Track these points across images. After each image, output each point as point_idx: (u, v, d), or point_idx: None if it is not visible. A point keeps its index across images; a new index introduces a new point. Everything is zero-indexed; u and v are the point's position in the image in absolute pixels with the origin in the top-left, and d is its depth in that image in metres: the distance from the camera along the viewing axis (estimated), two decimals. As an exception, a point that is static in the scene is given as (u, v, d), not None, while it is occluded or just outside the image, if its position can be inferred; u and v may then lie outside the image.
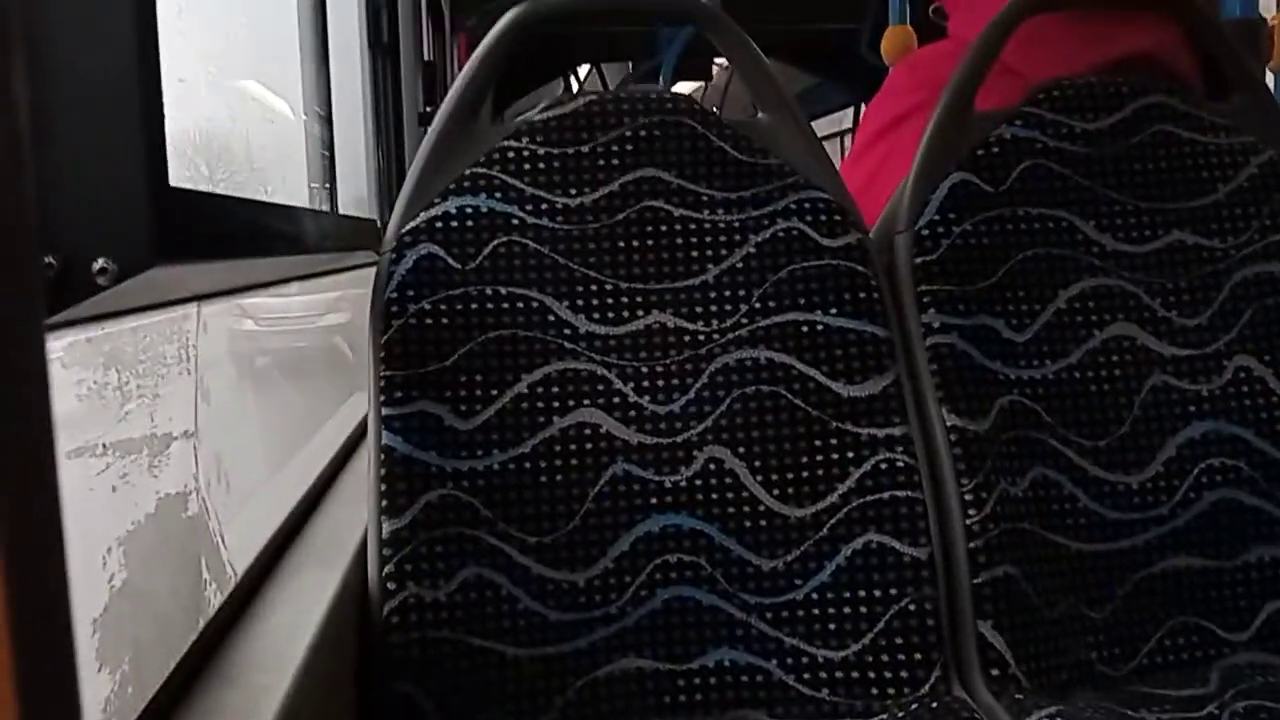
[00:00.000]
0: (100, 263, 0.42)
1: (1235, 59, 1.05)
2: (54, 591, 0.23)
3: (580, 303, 0.90)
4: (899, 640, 0.85)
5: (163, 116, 0.46)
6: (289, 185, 1.28)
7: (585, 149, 0.93)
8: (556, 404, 0.88)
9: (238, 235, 0.62)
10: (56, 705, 0.23)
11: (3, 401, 0.21)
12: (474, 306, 0.88)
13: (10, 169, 0.22)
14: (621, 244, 0.92)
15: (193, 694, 0.57)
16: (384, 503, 0.83)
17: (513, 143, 0.93)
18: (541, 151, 0.93)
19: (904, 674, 0.85)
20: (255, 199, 0.70)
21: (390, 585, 0.81)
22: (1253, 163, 1.01)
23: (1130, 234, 0.99)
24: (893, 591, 0.86)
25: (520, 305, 0.89)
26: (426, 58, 2.14)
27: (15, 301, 0.22)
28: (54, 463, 0.24)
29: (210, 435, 0.67)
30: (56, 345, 0.47)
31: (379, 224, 1.36)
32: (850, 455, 0.89)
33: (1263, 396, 0.96)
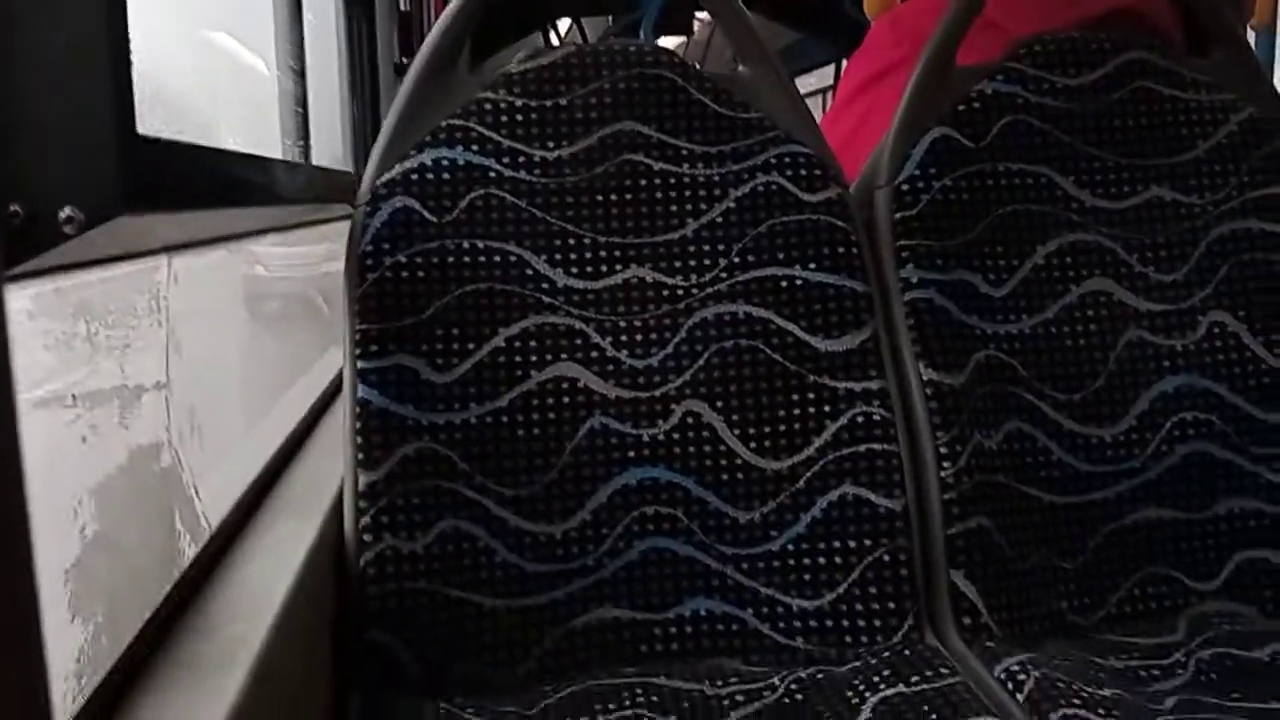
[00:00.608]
0: (67, 211, 0.41)
1: (1217, 15, 1.05)
2: (16, 541, 0.23)
3: (558, 256, 0.90)
4: (873, 590, 0.86)
5: (130, 64, 0.45)
6: (258, 142, 1.26)
7: (564, 101, 0.92)
8: (534, 358, 0.88)
9: (208, 185, 0.61)
10: (22, 657, 0.23)
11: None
12: (450, 260, 0.87)
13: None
14: (600, 198, 0.92)
15: (168, 644, 0.57)
16: (360, 456, 0.83)
17: (490, 95, 0.91)
18: (519, 104, 0.92)
19: (877, 623, 0.86)
20: (226, 148, 0.69)
21: (367, 537, 0.81)
22: (1232, 120, 1.01)
23: (1109, 190, 0.99)
24: (867, 542, 0.87)
25: (497, 259, 0.88)
26: (402, 8, 2.10)
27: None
28: (13, 410, 0.23)
29: (183, 387, 0.67)
30: (24, 295, 0.47)
31: (354, 177, 1.34)
32: (827, 409, 0.90)
33: (1236, 352, 0.97)
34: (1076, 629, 0.90)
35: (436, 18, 0.94)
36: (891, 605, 0.86)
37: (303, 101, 1.47)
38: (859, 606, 0.86)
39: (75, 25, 0.41)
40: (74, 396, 0.51)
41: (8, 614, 0.22)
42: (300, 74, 1.47)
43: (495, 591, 0.84)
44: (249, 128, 1.25)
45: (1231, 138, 1.01)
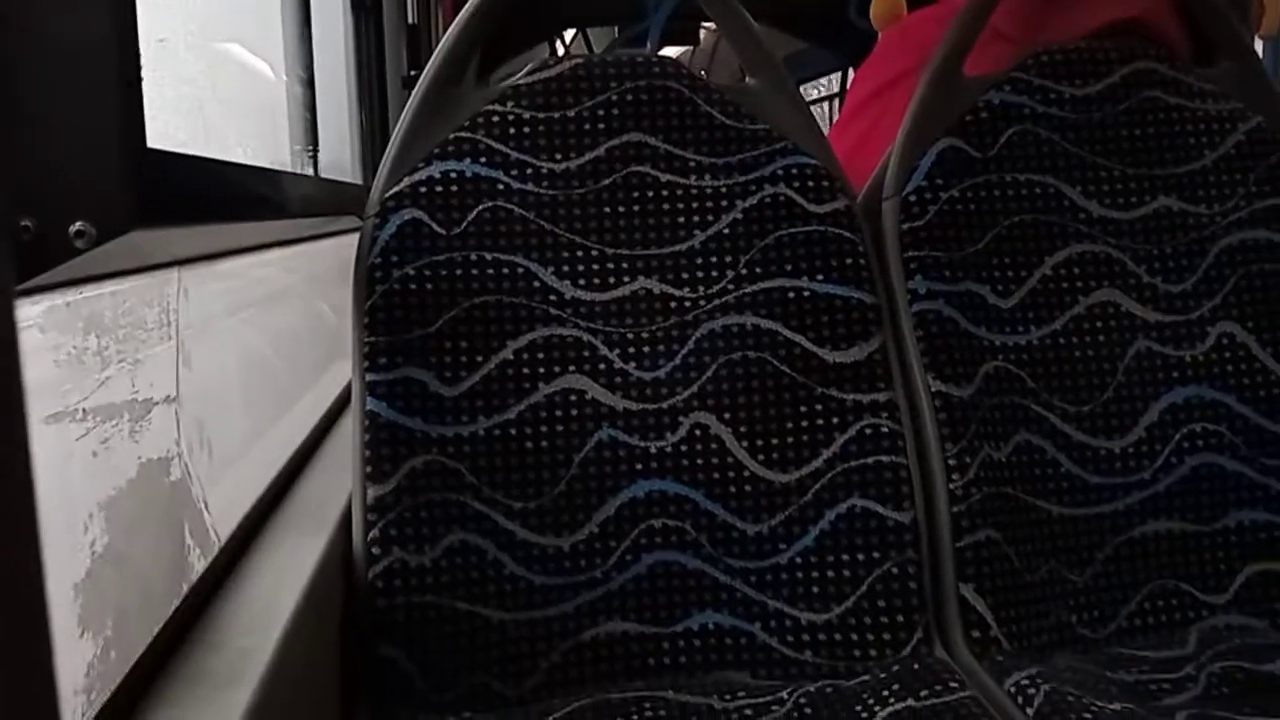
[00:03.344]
0: (78, 225, 0.41)
1: (1224, 25, 1.05)
2: (26, 556, 0.23)
3: (566, 268, 0.90)
4: (881, 603, 0.86)
5: (140, 75, 0.45)
6: (267, 153, 1.27)
7: (571, 113, 0.93)
8: (542, 370, 0.88)
9: (218, 198, 0.61)
10: (32, 672, 0.23)
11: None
12: (459, 272, 0.87)
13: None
14: (608, 209, 0.92)
15: (176, 659, 0.57)
16: (368, 468, 0.83)
17: (498, 107, 0.92)
18: (527, 115, 0.92)
19: (886, 636, 0.86)
20: (236, 162, 0.69)
21: (375, 550, 0.81)
22: (1240, 129, 1.01)
23: (1117, 200, 0.99)
24: (876, 555, 0.87)
25: (505, 271, 0.89)
26: (410, 20, 2.11)
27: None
28: (25, 427, 0.23)
29: (192, 401, 0.67)
30: (34, 309, 0.47)
31: (364, 188, 1.34)
32: (835, 420, 0.89)
33: (1245, 363, 0.97)
34: (1086, 642, 0.90)
35: (444, 30, 0.94)
36: (900, 618, 0.86)
37: (311, 114, 1.47)
38: (868, 620, 0.86)
39: (85, 38, 0.42)
40: (84, 411, 0.51)
41: (18, 629, 0.22)
42: (309, 86, 1.48)
43: (503, 605, 0.83)
44: (258, 139, 1.25)
45: (1239, 147, 1.01)
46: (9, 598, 0.22)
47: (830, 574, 0.87)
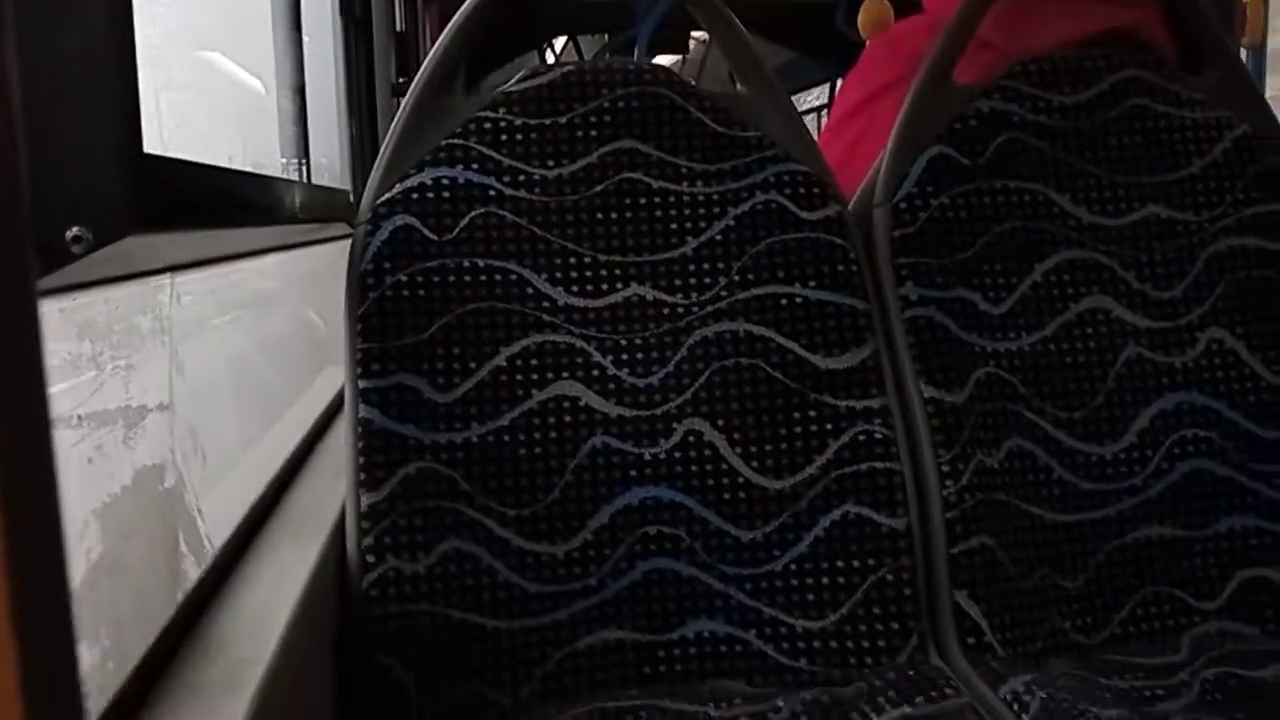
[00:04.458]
0: (74, 231, 0.41)
1: (1211, 34, 1.06)
2: (51, 562, 0.23)
3: (559, 275, 0.90)
4: (876, 610, 0.86)
5: (136, 81, 0.45)
6: (256, 161, 1.27)
7: (563, 120, 0.93)
8: (535, 376, 0.87)
9: (213, 205, 0.61)
10: (57, 680, 0.23)
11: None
12: (451, 279, 0.87)
13: (2, 141, 0.22)
14: (600, 216, 0.92)
15: (172, 667, 0.56)
16: (362, 476, 0.83)
17: (489, 113, 0.92)
18: (519, 122, 0.92)
19: (881, 643, 0.86)
20: (230, 168, 0.69)
21: (369, 558, 0.81)
22: (1227, 137, 1.02)
23: (1106, 207, 1.00)
24: (870, 562, 0.87)
25: (498, 277, 0.88)
26: (398, 28, 2.11)
27: (10, 275, 0.22)
28: (49, 433, 0.23)
29: (185, 407, 0.67)
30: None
31: (353, 196, 1.34)
32: (829, 427, 0.89)
33: (1234, 369, 0.97)
34: (1080, 648, 0.90)
35: (433, 38, 0.94)
36: (895, 625, 0.86)
37: (300, 125, 1.47)
38: (863, 627, 0.86)
39: (81, 43, 0.41)
40: (79, 417, 0.51)
41: (46, 635, 0.22)
42: (299, 96, 1.47)
43: (497, 613, 0.83)
44: (248, 147, 1.25)
45: (1227, 155, 1.02)
46: (38, 603, 0.21)
47: (825, 581, 0.87)
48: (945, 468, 0.89)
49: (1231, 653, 0.86)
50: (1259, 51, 1.93)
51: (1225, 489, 0.95)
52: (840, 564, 0.87)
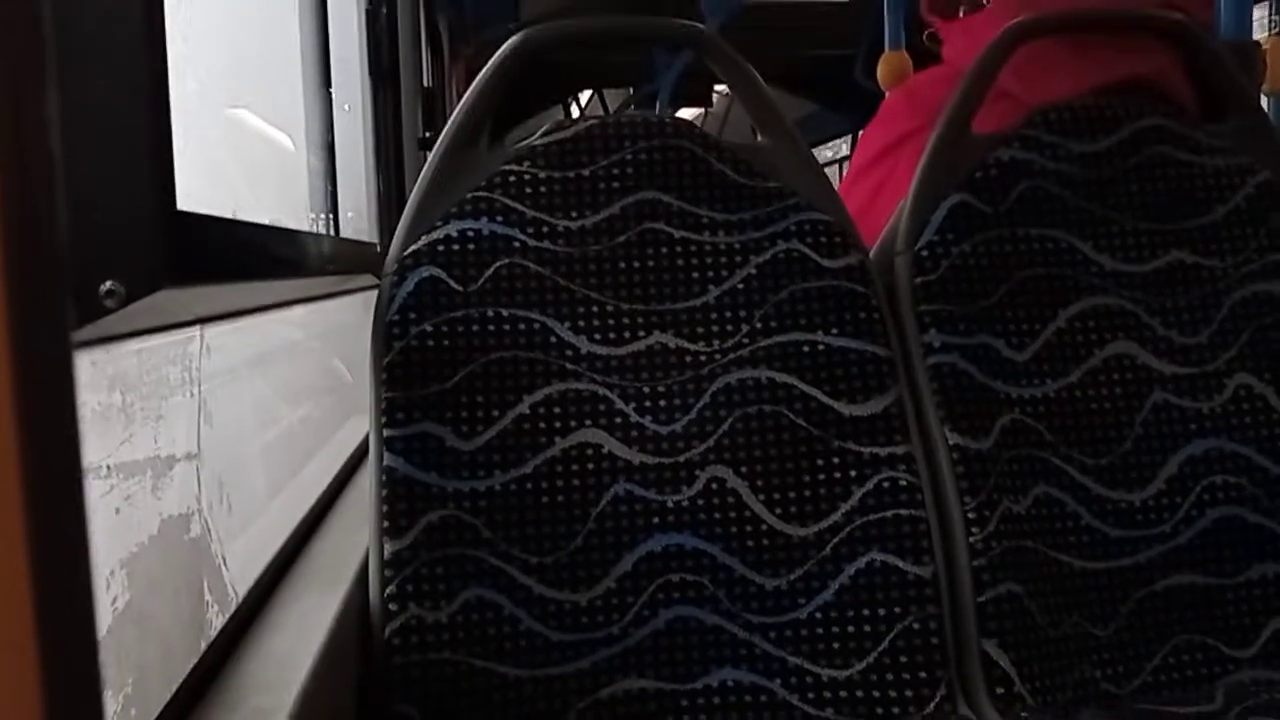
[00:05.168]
0: (108, 285, 0.42)
1: (1231, 81, 1.06)
2: (80, 609, 0.23)
3: (581, 324, 0.91)
4: (903, 659, 0.85)
5: (171, 139, 0.46)
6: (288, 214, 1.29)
7: (586, 172, 0.94)
8: (558, 424, 0.88)
9: (243, 258, 0.62)
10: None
11: (34, 423, 0.22)
12: (475, 328, 0.88)
13: (43, 195, 0.23)
14: (623, 265, 0.93)
15: (195, 715, 0.57)
16: (385, 524, 0.83)
17: (514, 167, 0.93)
18: (543, 175, 0.93)
19: (909, 693, 0.84)
20: (260, 223, 0.70)
21: (392, 606, 0.81)
22: (1249, 183, 1.02)
23: (1129, 254, 1.00)
24: (897, 610, 0.86)
25: (522, 327, 0.89)
26: (425, 84, 2.15)
27: (47, 326, 0.23)
28: (81, 482, 0.24)
29: (212, 457, 0.68)
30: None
31: (379, 249, 1.36)
32: (853, 474, 0.89)
33: (1263, 414, 0.96)
34: (1111, 697, 0.88)
35: (459, 93, 0.96)
36: (923, 674, 0.85)
37: (330, 182, 1.50)
38: (890, 676, 0.85)
39: (116, 99, 0.43)
40: (109, 468, 0.51)
41: (75, 687, 0.23)
42: (328, 149, 1.50)
43: (520, 662, 0.83)
44: (279, 202, 1.28)
45: (1249, 201, 1.01)
46: (66, 654, 0.22)
47: (851, 629, 0.86)
48: (971, 514, 0.88)
49: (1267, 702, 0.84)
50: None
51: (1256, 536, 0.94)
52: (866, 612, 0.86)
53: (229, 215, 0.60)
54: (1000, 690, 0.85)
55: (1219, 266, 1.00)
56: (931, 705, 0.84)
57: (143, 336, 0.57)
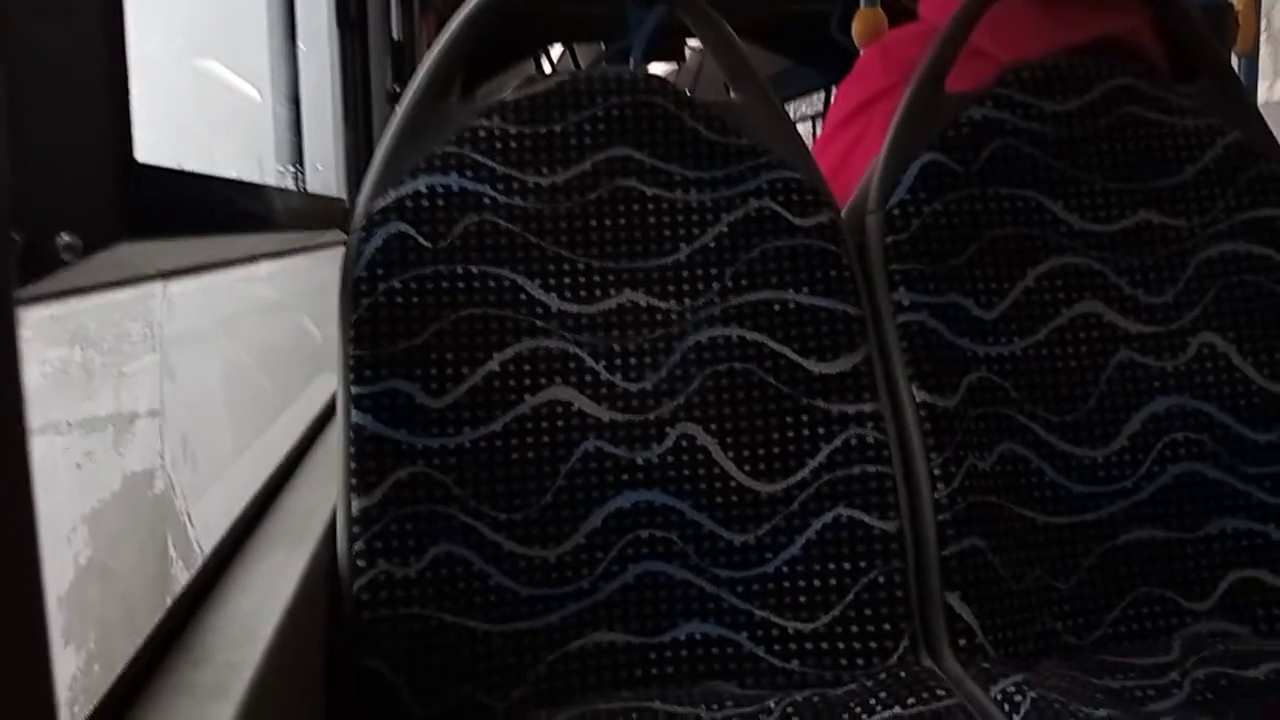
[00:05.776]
0: (65, 238, 0.41)
1: (1203, 42, 1.06)
2: (25, 565, 0.23)
3: (552, 281, 0.90)
4: (868, 612, 0.86)
5: (128, 88, 0.45)
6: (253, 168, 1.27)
7: (557, 128, 0.93)
8: (528, 382, 0.88)
9: (205, 212, 0.61)
10: (29, 682, 0.23)
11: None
12: (445, 285, 0.88)
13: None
14: (594, 223, 0.92)
15: (160, 672, 0.56)
16: (354, 480, 0.83)
17: (484, 122, 0.92)
18: (513, 130, 0.92)
19: (873, 645, 0.86)
20: (223, 176, 0.69)
21: (360, 563, 0.81)
22: (1218, 144, 1.02)
23: (1098, 213, 1.00)
24: (862, 564, 0.87)
25: (491, 284, 0.89)
26: (395, 36, 2.11)
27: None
28: (25, 438, 0.23)
29: (176, 413, 0.67)
30: (21, 322, 0.46)
31: (347, 204, 1.34)
32: (821, 431, 0.90)
33: (1225, 372, 0.98)
34: (1072, 649, 0.90)
35: (429, 45, 0.95)
36: (887, 627, 0.86)
37: (295, 134, 1.47)
38: (854, 629, 0.86)
39: (73, 50, 0.42)
40: (69, 423, 0.51)
41: (18, 639, 0.22)
42: (294, 105, 1.48)
43: (489, 616, 0.83)
44: (244, 154, 1.26)
45: (1218, 162, 1.02)
46: (9, 607, 0.22)
47: (817, 583, 0.87)
48: (937, 471, 0.89)
49: (1222, 653, 0.86)
50: (1251, 59, 1.94)
51: (1216, 491, 0.96)
52: (832, 566, 0.87)
53: (199, 170, 0.59)
54: (963, 642, 0.86)
55: (1186, 226, 1.01)
56: (895, 656, 0.86)
57: (104, 291, 0.56)
